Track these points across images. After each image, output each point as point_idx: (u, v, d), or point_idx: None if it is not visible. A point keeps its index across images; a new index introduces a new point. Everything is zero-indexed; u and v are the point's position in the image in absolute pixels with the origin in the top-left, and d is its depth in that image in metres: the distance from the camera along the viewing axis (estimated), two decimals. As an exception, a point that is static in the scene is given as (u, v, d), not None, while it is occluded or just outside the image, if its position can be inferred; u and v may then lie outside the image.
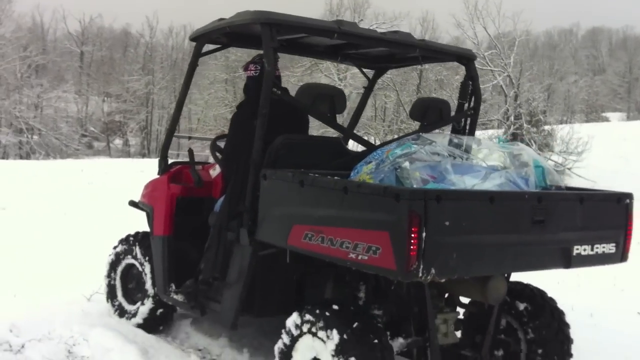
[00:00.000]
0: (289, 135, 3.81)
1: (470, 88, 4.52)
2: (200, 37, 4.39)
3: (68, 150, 39.85)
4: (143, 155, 45.06)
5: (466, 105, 4.53)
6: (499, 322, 3.92)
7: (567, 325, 3.98)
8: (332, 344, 3.18)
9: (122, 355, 4.10)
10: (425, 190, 2.92)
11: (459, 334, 3.97)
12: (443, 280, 3.24)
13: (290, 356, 3.45)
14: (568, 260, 3.42)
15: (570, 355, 3.97)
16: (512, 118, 32.60)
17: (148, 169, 21.72)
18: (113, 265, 5.01)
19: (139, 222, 5.10)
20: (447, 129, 4.74)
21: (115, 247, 5.04)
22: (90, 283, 5.59)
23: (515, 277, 4.04)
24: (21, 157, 36.40)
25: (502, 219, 3.13)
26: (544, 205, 3.23)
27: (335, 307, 3.33)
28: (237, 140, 4.10)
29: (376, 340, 3.19)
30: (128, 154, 46.63)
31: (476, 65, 4.69)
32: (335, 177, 3.32)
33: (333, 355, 3.17)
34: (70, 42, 57.13)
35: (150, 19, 64.01)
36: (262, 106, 3.63)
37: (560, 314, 3.98)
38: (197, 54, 4.49)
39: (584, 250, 3.46)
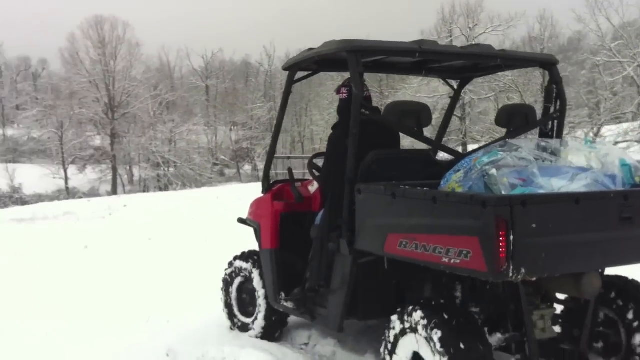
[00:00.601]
0: (379, 151, 4.06)
1: (555, 92, 4.61)
2: (293, 67, 4.80)
3: (202, 179, 41.72)
4: (271, 179, 46.29)
5: (552, 108, 4.63)
6: (597, 316, 4.00)
7: None
8: (433, 341, 3.33)
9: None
10: (510, 197, 3.09)
11: (557, 329, 4.06)
12: (534, 279, 3.30)
13: (394, 352, 3.64)
14: None
15: None
16: (647, 109, 30.57)
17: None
18: (227, 285, 5.44)
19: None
20: (536, 134, 4.77)
21: (226, 269, 5.48)
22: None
23: (612, 270, 4.02)
24: (160, 189, 38.48)
25: (589, 218, 3.24)
26: (631, 202, 3.34)
27: (435, 305, 3.52)
28: (332, 158, 4.42)
29: (475, 336, 3.35)
30: (257, 178, 48.06)
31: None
32: (425, 188, 3.47)
33: (433, 352, 3.33)
34: (195, 77, 59.97)
35: (267, 48, 65.74)
36: (353, 126, 3.93)
37: None
38: (291, 82, 4.88)
39: None
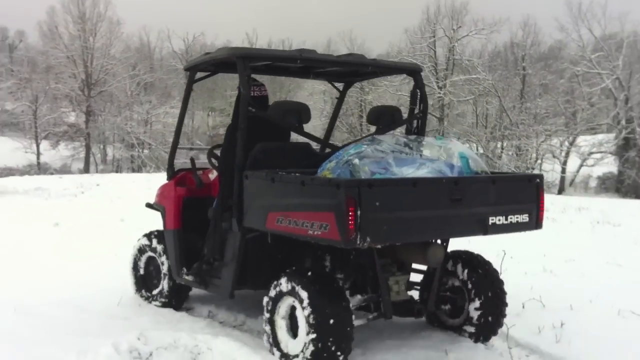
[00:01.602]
0: (265, 143, 4.78)
1: (419, 95, 5.37)
2: (192, 68, 5.45)
3: (177, 162, 41.36)
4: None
5: (416, 110, 5.38)
6: (443, 283, 4.90)
7: (500, 281, 4.86)
8: (302, 300, 4.11)
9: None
10: (359, 180, 3.88)
11: (416, 293, 5.02)
12: (379, 246, 4.14)
13: (275, 311, 4.38)
14: (485, 229, 4.29)
15: (505, 304, 4.83)
16: (623, 122, 31.11)
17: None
18: (136, 260, 6.07)
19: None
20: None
21: (135, 247, 6.10)
22: (213, 296, 5.82)
23: (461, 245, 5.13)
24: (133, 170, 38.11)
25: (424, 198, 4.02)
26: (460, 187, 4.13)
27: (304, 272, 4.30)
28: (226, 149, 5.03)
29: (335, 295, 4.18)
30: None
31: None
32: (298, 174, 4.19)
33: (304, 308, 4.09)
34: (175, 60, 59.26)
35: (250, 36, 65.06)
36: (241, 121, 4.62)
37: (494, 272, 4.87)
38: (191, 81, 5.59)
39: (499, 220, 4.32)
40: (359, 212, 3.66)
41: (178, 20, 68.44)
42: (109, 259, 7.56)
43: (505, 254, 6.42)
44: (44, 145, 41.66)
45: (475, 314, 4.75)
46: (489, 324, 4.76)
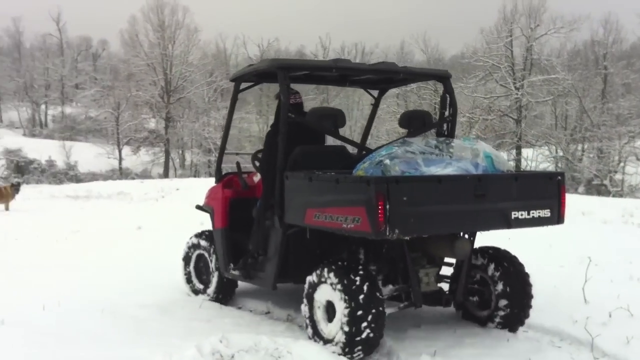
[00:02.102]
0: (304, 146, 5.13)
1: (448, 100, 5.64)
2: (237, 79, 5.86)
3: (251, 167, 41.94)
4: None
5: (446, 113, 5.67)
6: (471, 275, 5.19)
7: (526, 274, 5.11)
8: (338, 288, 4.46)
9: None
10: (387, 177, 4.24)
11: (445, 285, 5.27)
12: (407, 238, 4.45)
13: (313, 299, 4.74)
14: (508, 222, 4.58)
15: (531, 296, 5.08)
16: None
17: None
18: (187, 258, 6.50)
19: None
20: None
21: (186, 245, 6.53)
22: (292, 300, 5.89)
23: (489, 242, 5.46)
24: (210, 175, 38.91)
25: (449, 194, 4.33)
26: (483, 183, 4.46)
27: (340, 264, 4.62)
28: (268, 152, 5.39)
29: (368, 285, 4.43)
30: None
31: None
32: (333, 174, 4.58)
33: (340, 297, 4.44)
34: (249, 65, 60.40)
35: (323, 40, 65.61)
36: (281, 126, 5.01)
37: (520, 266, 5.12)
38: (236, 91, 5.97)
39: (521, 215, 4.62)
40: (387, 206, 4.03)
41: (253, 27, 69.65)
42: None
43: (590, 261, 6.22)
44: (126, 150, 43.11)
45: (502, 306, 5.04)
46: (515, 315, 5.04)
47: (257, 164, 5.69)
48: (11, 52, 72.00)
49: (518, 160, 34.47)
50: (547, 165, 34.97)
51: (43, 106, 61.99)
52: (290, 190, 4.85)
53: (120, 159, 42.40)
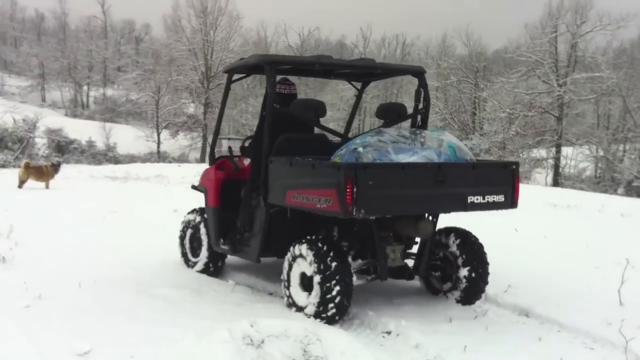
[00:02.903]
0: (288, 134, 5.65)
1: (422, 94, 6.15)
2: (230, 71, 6.45)
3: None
4: (356, 161, 46.21)
5: (420, 106, 6.19)
6: (433, 252, 5.79)
7: (484, 254, 5.69)
8: (310, 262, 5.05)
9: None
10: (355, 164, 4.77)
11: (411, 262, 5.88)
12: (372, 218, 5.01)
13: (290, 273, 5.32)
14: (465, 206, 5.14)
15: (488, 273, 5.66)
16: None
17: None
18: (183, 233, 7.10)
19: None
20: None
21: (182, 221, 7.16)
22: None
23: (452, 222, 6.12)
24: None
25: (411, 179, 4.87)
26: (443, 170, 4.99)
27: (313, 240, 5.15)
28: (256, 139, 5.97)
29: (337, 258, 5.00)
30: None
31: None
32: (310, 159, 5.09)
33: (312, 270, 5.03)
34: (290, 54, 60.46)
35: (364, 30, 65.61)
36: (267, 115, 5.55)
37: (480, 246, 5.71)
38: (229, 82, 6.53)
39: (477, 199, 5.17)
40: (355, 189, 4.56)
41: (295, 15, 69.59)
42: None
43: (628, 263, 6.12)
44: (164, 134, 43.56)
45: (462, 280, 5.60)
46: (473, 289, 5.60)
47: (243, 149, 6.31)
48: (56, 33, 73.42)
49: (557, 159, 33.96)
50: (587, 165, 34.39)
51: (85, 87, 63.06)
52: (273, 173, 5.39)
53: (159, 143, 42.87)
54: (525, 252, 7.95)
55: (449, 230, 5.84)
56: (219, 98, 42.46)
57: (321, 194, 4.78)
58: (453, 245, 5.71)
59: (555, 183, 32.21)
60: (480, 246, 5.71)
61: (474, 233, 5.82)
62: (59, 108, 58.71)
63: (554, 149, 34.47)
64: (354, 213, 4.59)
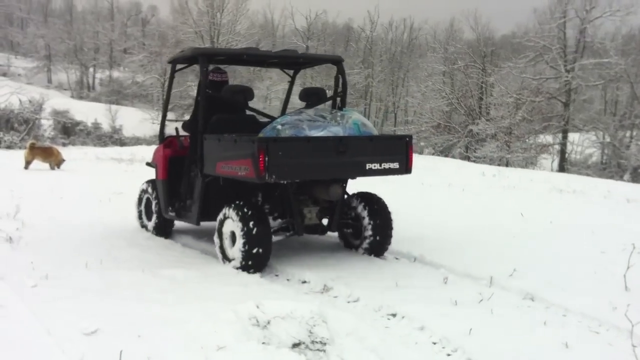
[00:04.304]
0: (220, 115, 6.66)
1: (341, 80, 7.17)
2: (174, 61, 7.33)
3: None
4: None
5: (339, 90, 7.23)
6: (344, 212, 6.84)
7: (388, 212, 6.81)
8: (236, 222, 5.96)
9: (361, 342, 4.21)
10: (267, 138, 5.70)
11: (325, 221, 6.80)
12: (283, 182, 5.96)
13: (222, 232, 6.23)
14: (364, 172, 6.12)
15: (391, 228, 6.77)
16: None
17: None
18: (139, 201, 8.05)
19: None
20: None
21: (139, 189, 8.09)
22: (329, 270, 5.92)
23: (364, 187, 7.38)
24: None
25: (316, 150, 5.82)
26: (344, 142, 5.95)
27: (239, 204, 6.06)
28: (193, 119, 6.92)
29: (258, 218, 5.96)
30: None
31: None
32: (234, 135, 6.04)
33: (237, 228, 5.93)
34: (297, 37, 60.16)
35: (371, 14, 65.04)
36: (201, 99, 6.52)
37: (384, 206, 6.82)
38: (173, 71, 7.44)
39: (374, 166, 6.13)
40: (267, 159, 5.47)
41: (302, -2, 69.05)
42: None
43: (634, 248, 6.11)
44: (170, 116, 43.37)
45: (369, 237, 6.65)
46: (379, 243, 6.68)
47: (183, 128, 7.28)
48: (63, 14, 73.24)
49: (564, 144, 33.85)
50: (593, 151, 34.26)
51: (91, 69, 62.95)
52: (207, 148, 6.30)
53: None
54: (531, 236, 7.95)
55: (358, 195, 6.92)
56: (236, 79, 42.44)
57: (241, 163, 5.71)
58: (360, 206, 6.76)
59: (561, 169, 32.12)
60: (384, 207, 6.78)
61: (380, 196, 6.93)
62: (65, 90, 58.68)
63: (560, 135, 34.34)
64: (267, 178, 5.52)
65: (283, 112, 8.14)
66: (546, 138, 34.90)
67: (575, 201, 12.20)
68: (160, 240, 7.43)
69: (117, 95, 53.38)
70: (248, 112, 7.04)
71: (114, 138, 35.52)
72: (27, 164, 16.14)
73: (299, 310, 4.63)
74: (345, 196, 6.80)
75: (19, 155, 18.62)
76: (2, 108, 29.47)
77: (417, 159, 24.45)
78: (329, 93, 7.30)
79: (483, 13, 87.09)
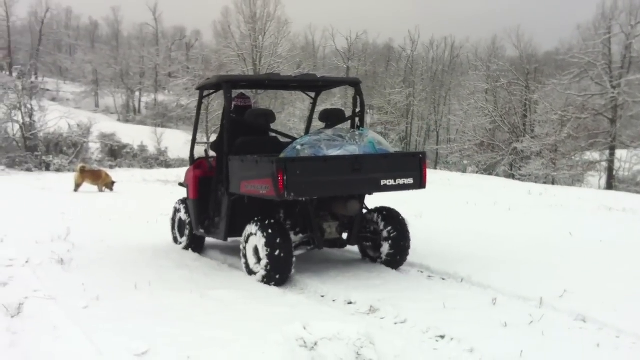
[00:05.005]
0: (244, 137, 7.06)
1: (359, 100, 7.40)
2: (201, 88, 7.80)
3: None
4: (403, 166, 45.85)
5: (357, 110, 7.48)
6: (363, 226, 7.19)
7: (406, 228, 7.07)
8: (259, 238, 6.29)
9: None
10: (285, 158, 6.07)
11: (345, 235, 7.18)
12: (302, 199, 6.39)
13: (246, 247, 6.60)
14: (379, 188, 6.42)
15: (409, 240, 7.06)
16: None
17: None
18: (173, 218, 8.54)
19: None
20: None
21: (173, 208, 8.54)
22: (376, 290, 5.89)
23: (381, 203, 7.70)
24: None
25: (333, 169, 6.14)
26: (359, 161, 6.25)
27: (263, 220, 6.40)
28: (219, 142, 7.20)
29: (280, 233, 6.30)
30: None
31: None
32: (257, 157, 6.32)
33: (261, 244, 6.26)
34: (337, 58, 60.56)
35: (412, 33, 65.17)
36: (226, 123, 6.96)
37: (403, 222, 7.09)
38: (201, 97, 7.98)
39: (389, 182, 6.42)
40: (285, 177, 5.80)
41: (342, 19, 69.67)
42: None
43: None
44: (213, 138, 43.96)
45: (387, 251, 6.99)
46: (397, 255, 7.00)
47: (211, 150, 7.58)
48: (110, 40, 75.05)
49: (611, 162, 33.14)
50: (643, 168, 33.45)
51: (137, 93, 64.24)
52: (232, 168, 6.67)
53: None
54: (581, 256, 7.79)
55: (378, 210, 7.23)
56: (267, 102, 42.89)
57: (262, 182, 6.05)
58: (378, 221, 7.09)
59: (609, 186, 31.42)
60: (402, 221, 7.06)
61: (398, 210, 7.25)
62: (112, 113, 59.98)
63: (607, 152, 33.64)
64: (286, 196, 5.84)
65: (306, 132, 8.38)
66: (593, 155, 34.23)
67: (625, 219, 11.92)
68: (207, 260, 7.51)
69: (162, 118, 54.30)
70: (271, 134, 7.52)
71: (160, 160, 36.09)
72: (77, 186, 16.53)
73: (346, 332, 4.60)
74: (365, 211, 7.17)
75: (68, 177, 19.08)
76: (52, 132, 30.27)
77: (460, 178, 24.29)
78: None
79: (526, 30, 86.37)
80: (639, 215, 12.62)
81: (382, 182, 6.38)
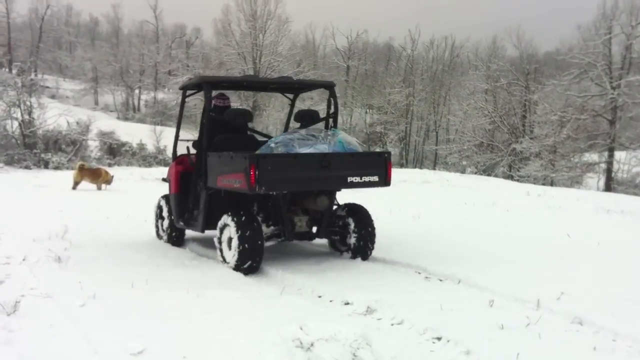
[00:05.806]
0: (222, 135, 7.47)
1: (332, 102, 7.93)
2: (184, 88, 8.23)
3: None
4: (401, 165, 45.94)
5: (331, 111, 7.97)
6: (332, 220, 7.63)
7: (371, 222, 7.54)
8: (232, 229, 6.72)
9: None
10: (257, 154, 6.43)
11: (315, 229, 7.60)
12: (273, 193, 6.85)
13: (221, 237, 7.03)
14: (346, 184, 6.86)
15: (374, 234, 7.51)
16: None
17: (410, 178, 22.20)
18: (156, 212, 8.94)
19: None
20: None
21: (156, 203, 8.99)
22: (373, 291, 5.87)
23: (350, 199, 8.48)
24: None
25: (302, 165, 6.57)
26: (327, 158, 6.69)
27: (236, 212, 6.83)
28: (199, 139, 7.58)
29: (252, 225, 6.72)
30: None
31: None
32: (231, 153, 6.75)
33: (234, 234, 6.69)
34: (338, 57, 60.56)
35: (412, 32, 64.99)
36: (205, 122, 7.40)
37: (368, 217, 7.56)
38: (184, 97, 8.41)
39: (355, 179, 6.86)
40: (257, 172, 6.24)
41: (342, 18, 69.53)
42: (271, 249, 7.88)
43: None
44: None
45: (353, 243, 7.45)
46: (363, 250, 7.44)
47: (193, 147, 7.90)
48: (110, 37, 75.01)
49: (610, 163, 33.15)
50: (641, 170, 33.47)
51: (137, 91, 64.21)
52: (210, 164, 7.09)
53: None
54: (579, 258, 7.79)
55: (345, 205, 7.70)
56: (266, 101, 42.87)
57: (236, 177, 6.49)
58: (347, 216, 7.54)
59: (608, 188, 31.43)
60: (368, 216, 7.54)
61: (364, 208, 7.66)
62: (111, 111, 59.91)
63: (606, 153, 33.65)
64: (257, 189, 6.29)
65: (285, 131, 8.58)
66: (592, 156, 34.25)
67: (624, 221, 11.93)
68: (205, 260, 7.51)
69: (161, 116, 54.26)
70: (249, 133, 7.97)
71: (159, 158, 36.00)
72: (76, 184, 16.50)
73: (343, 333, 4.61)
74: (335, 207, 7.62)
75: (67, 175, 19.05)
76: (51, 130, 30.19)
77: (459, 179, 24.26)
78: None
79: (526, 30, 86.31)
80: (637, 217, 12.63)
81: (349, 179, 6.81)
